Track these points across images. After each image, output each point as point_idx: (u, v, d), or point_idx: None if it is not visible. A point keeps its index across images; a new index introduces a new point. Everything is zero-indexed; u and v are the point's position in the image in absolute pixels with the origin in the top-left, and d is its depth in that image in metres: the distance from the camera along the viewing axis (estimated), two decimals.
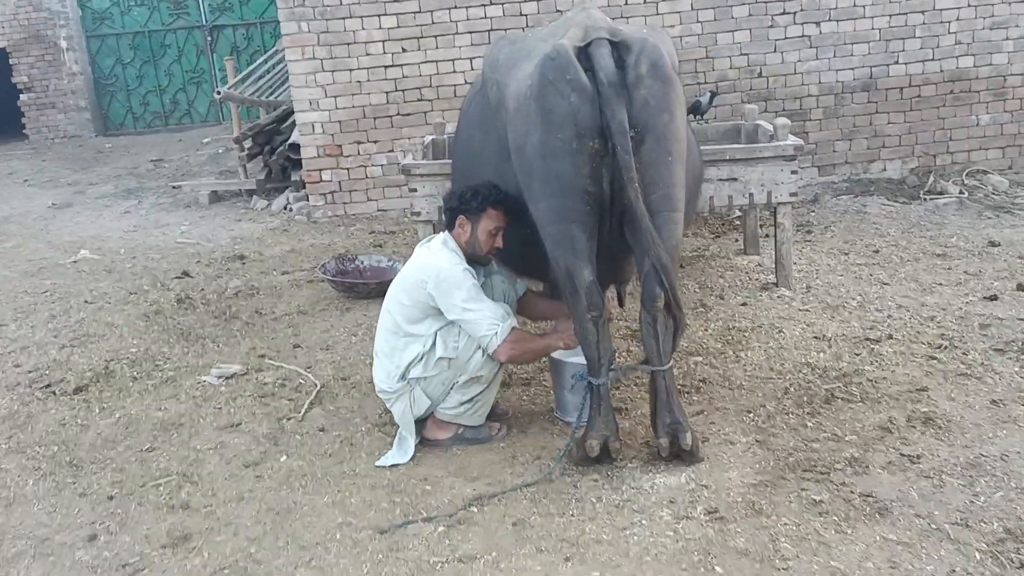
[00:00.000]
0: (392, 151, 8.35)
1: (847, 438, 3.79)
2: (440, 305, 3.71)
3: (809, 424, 3.94)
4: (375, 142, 8.39)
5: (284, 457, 3.94)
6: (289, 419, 4.30)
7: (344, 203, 8.50)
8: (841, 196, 8.13)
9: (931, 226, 7.10)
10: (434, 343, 3.78)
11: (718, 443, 3.82)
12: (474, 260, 3.87)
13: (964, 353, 4.56)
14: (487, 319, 3.69)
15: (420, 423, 3.93)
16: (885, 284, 5.76)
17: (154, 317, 5.91)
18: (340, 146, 8.38)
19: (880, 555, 3.01)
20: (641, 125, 3.48)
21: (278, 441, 4.09)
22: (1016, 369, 4.34)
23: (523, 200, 3.72)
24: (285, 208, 8.98)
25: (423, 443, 3.94)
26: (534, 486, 3.56)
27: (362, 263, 6.44)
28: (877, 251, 6.50)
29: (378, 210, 8.51)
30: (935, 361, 4.49)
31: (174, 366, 5.07)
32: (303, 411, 4.34)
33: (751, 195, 5.46)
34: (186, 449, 4.08)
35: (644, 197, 3.43)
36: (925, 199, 7.86)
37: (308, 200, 8.61)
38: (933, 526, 3.15)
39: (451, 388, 3.84)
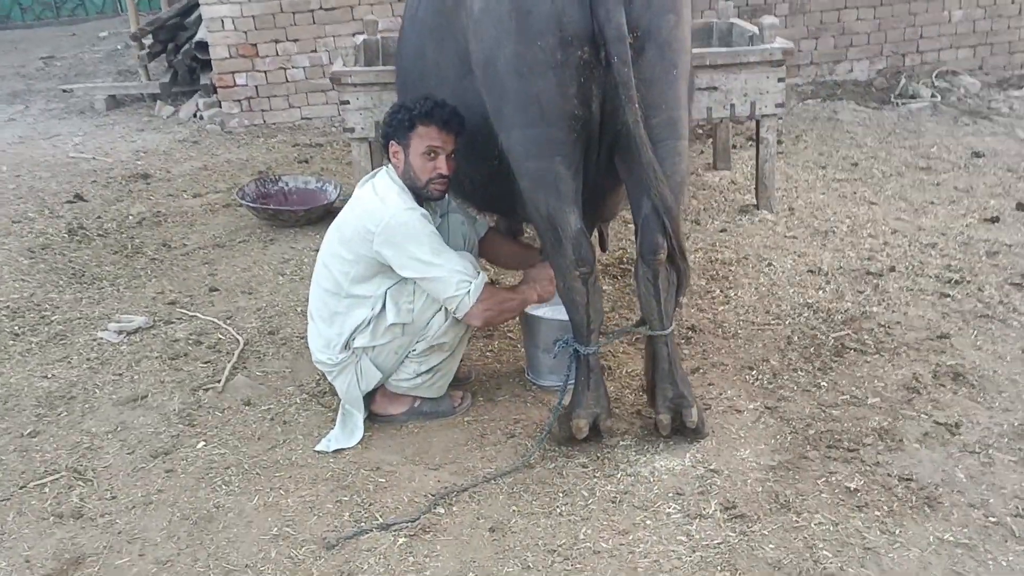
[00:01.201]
0: (315, 51, 7.40)
1: (870, 401, 3.26)
2: (392, 261, 2.98)
3: (823, 383, 3.39)
4: (295, 41, 7.40)
5: (201, 443, 3.22)
6: (207, 389, 3.56)
7: (262, 111, 7.55)
8: (807, 100, 7.53)
9: (908, 134, 6.58)
10: (384, 306, 3.06)
11: (722, 411, 3.25)
12: (420, 196, 3.13)
13: (979, 289, 4.06)
14: (455, 276, 2.98)
15: (368, 395, 3.26)
16: (873, 204, 5.22)
17: (40, 253, 5.03)
18: (255, 45, 7.37)
19: (939, 563, 2.49)
20: (642, 29, 2.75)
21: (193, 420, 3.36)
22: None
23: (461, 108, 3.05)
24: (195, 116, 7.97)
25: (372, 419, 3.27)
26: (511, 475, 2.95)
27: (287, 185, 5.60)
28: (856, 164, 5.95)
29: (301, 118, 7.60)
30: (948, 299, 3.98)
31: (64, 317, 4.26)
32: (223, 379, 3.60)
33: (732, 106, 4.79)
34: (78, 433, 3.33)
35: (644, 122, 2.74)
36: (897, 104, 7.31)
37: (221, 107, 7.62)
38: (992, 519, 2.65)
39: (405, 357, 3.15)
